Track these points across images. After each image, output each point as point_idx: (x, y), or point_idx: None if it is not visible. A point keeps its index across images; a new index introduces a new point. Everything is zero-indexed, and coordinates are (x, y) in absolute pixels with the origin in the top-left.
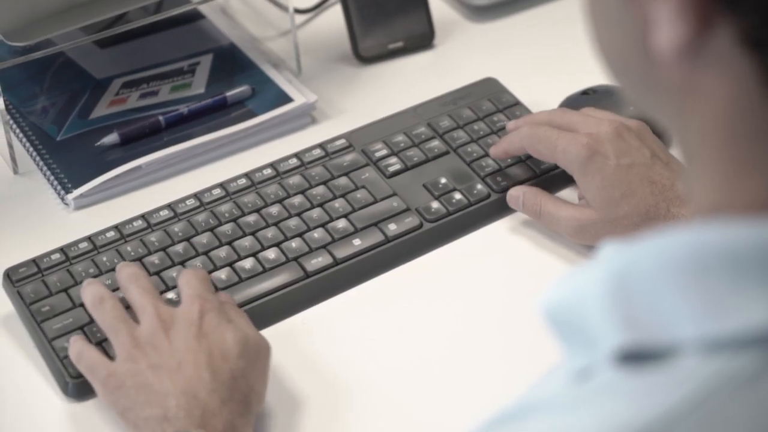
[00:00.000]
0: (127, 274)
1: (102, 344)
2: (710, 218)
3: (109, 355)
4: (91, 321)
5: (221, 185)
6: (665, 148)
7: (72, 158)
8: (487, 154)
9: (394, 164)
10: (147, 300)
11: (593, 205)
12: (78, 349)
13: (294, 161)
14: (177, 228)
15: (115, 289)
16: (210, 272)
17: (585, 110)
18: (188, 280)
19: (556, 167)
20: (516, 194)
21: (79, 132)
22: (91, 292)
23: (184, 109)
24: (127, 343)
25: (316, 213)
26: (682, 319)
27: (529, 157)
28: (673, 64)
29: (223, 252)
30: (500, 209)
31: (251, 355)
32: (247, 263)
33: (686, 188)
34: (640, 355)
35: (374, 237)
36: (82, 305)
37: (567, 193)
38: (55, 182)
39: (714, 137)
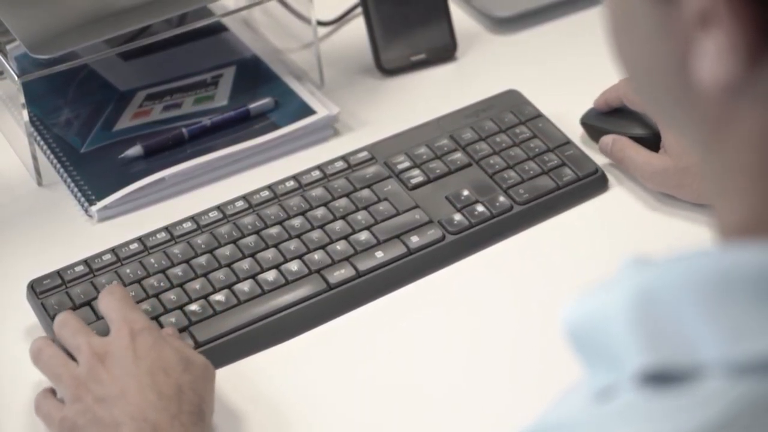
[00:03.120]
0: (56, 322)
1: None
2: (736, 240)
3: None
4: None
5: (244, 197)
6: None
7: (96, 170)
8: (509, 167)
9: (416, 176)
10: (78, 339)
11: (669, 151)
12: (37, 400)
13: (316, 173)
14: (200, 240)
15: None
16: (233, 284)
17: None
18: (108, 303)
19: (578, 179)
20: (607, 140)
21: (102, 144)
22: (31, 348)
23: (207, 121)
24: (70, 385)
25: (338, 225)
26: (706, 340)
27: (552, 169)
28: (712, 96)
29: (245, 264)
30: (523, 221)
31: (196, 371)
32: (270, 275)
33: (711, 208)
34: (663, 376)
35: (397, 249)
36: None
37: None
38: (79, 194)
39: (746, 166)
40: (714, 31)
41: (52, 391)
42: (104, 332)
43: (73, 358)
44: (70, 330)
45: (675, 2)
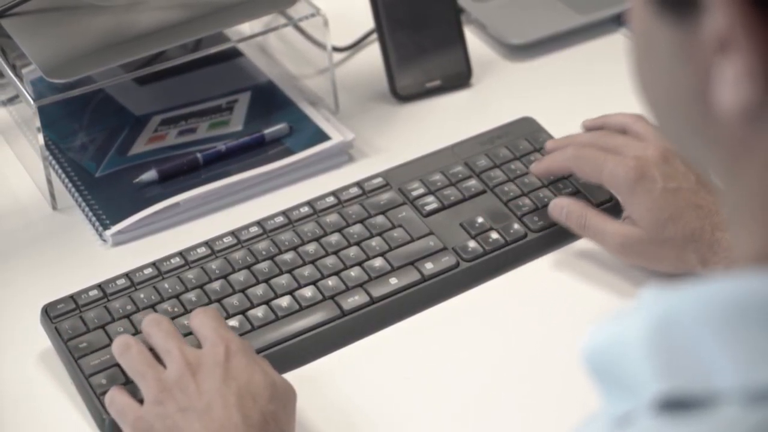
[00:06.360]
0: (149, 319)
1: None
2: (754, 267)
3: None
4: None
5: (258, 223)
6: (708, 176)
7: (110, 195)
8: (524, 194)
9: (431, 203)
10: (172, 343)
11: (640, 223)
12: (111, 395)
13: (331, 199)
14: (214, 265)
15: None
16: (246, 310)
17: (630, 128)
18: (203, 321)
19: (594, 206)
20: (560, 204)
21: (117, 168)
22: (117, 341)
23: (221, 146)
24: (154, 387)
25: (352, 251)
26: (723, 367)
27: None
28: (732, 122)
29: (260, 290)
30: (537, 249)
31: (281, 399)
32: (284, 301)
33: (729, 235)
34: (680, 403)
35: (411, 276)
36: None
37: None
38: (94, 218)
39: (765, 193)
40: (732, 56)
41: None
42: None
43: (158, 360)
44: (164, 332)
45: (693, 27)
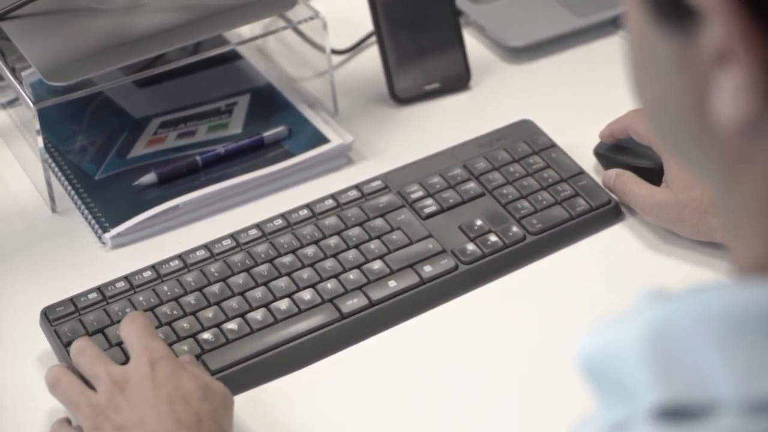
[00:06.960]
0: (73, 349)
1: None
2: (752, 276)
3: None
4: (126, 362)
5: (257, 226)
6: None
7: (110, 197)
8: (523, 197)
9: (429, 206)
10: (97, 367)
11: (671, 185)
12: (53, 430)
13: (330, 202)
14: (213, 268)
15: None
16: (245, 313)
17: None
18: (130, 330)
19: (591, 209)
20: (610, 174)
21: (117, 171)
22: (47, 377)
23: (221, 149)
24: (89, 414)
25: (351, 254)
26: (721, 377)
27: (565, 199)
28: (730, 133)
29: (258, 293)
30: (535, 252)
31: (215, 399)
32: (283, 304)
33: (727, 243)
34: (678, 411)
35: (409, 279)
36: (118, 344)
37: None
38: (93, 221)
39: (763, 202)
40: (732, 68)
41: (68, 421)
42: (118, 359)
43: (90, 385)
44: (89, 357)
45: (692, 38)
